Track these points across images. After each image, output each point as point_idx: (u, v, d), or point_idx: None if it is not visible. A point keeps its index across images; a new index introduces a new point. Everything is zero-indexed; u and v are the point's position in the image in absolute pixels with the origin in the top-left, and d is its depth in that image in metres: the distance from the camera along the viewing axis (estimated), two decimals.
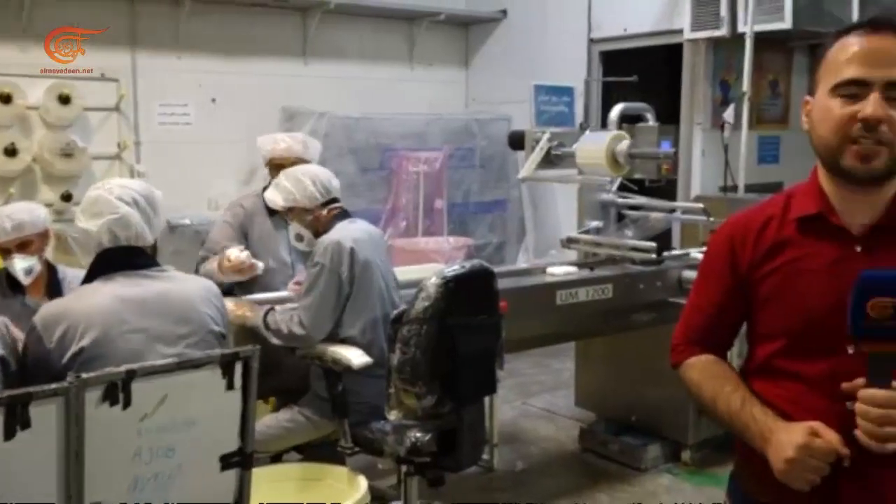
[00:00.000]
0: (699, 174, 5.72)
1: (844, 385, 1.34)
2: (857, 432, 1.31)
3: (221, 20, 6.03)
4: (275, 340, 2.87)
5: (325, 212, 3.04)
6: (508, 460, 4.13)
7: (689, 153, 5.75)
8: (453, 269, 2.71)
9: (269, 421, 2.98)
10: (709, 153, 5.72)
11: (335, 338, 2.90)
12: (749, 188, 5.31)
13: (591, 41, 6.43)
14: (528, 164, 4.14)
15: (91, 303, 2.04)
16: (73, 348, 1.99)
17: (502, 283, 3.36)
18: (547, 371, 5.53)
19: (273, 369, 2.99)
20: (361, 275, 2.91)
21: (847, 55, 1.36)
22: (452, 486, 3.02)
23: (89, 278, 2.14)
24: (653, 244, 3.79)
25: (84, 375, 1.67)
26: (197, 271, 3.50)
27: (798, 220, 1.46)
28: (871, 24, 1.38)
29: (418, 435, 2.71)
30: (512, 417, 4.76)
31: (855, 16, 5.23)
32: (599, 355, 4.38)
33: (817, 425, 1.35)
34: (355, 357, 2.76)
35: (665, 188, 4.74)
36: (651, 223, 4.12)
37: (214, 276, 3.40)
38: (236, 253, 3.28)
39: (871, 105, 1.33)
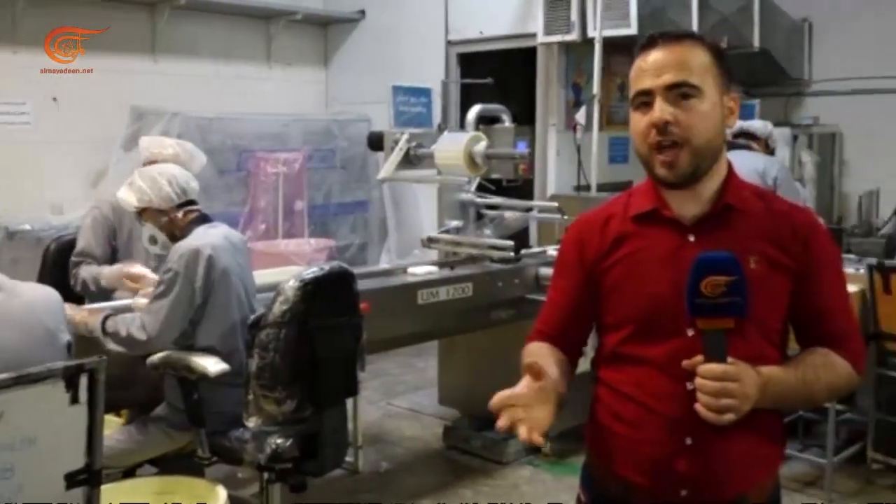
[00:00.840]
0: (554, 174, 5.91)
1: (684, 363, 1.42)
2: (697, 406, 1.39)
3: (62, 13, 5.69)
4: (111, 345, 2.73)
5: (180, 214, 2.94)
6: (373, 461, 4.12)
7: (545, 153, 5.93)
8: (312, 271, 2.69)
9: (119, 434, 2.85)
10: (563, 153, 5.92)
11: (193, 347, 2.81)
12: (601, 187, 5.52)
13: (449, 43, 6.52)
14: (387, 164, 4.16)
15: None
16: None
17: (364, 284, 3.36)
18: (412, 370, 5.56)
19: (125, 381, 2.87)
20: (219, 283, 2.82)
21: (636, 72, 1.51)
22: (316, 490, 3.00)
23: None
24: (510, 242, 3.89)
25: None
26: (70, 276, 3.38)
27: (636, 216, 1.56)
28: (648, 41, 1.52)
29: (279, 441, 2.67)
30: (377, 418, 4.76)
31: (695, 22, 5.55)
32: (461, 353, 4.44)
33: (535, 368, 1.42)
34: (211, 365, 2.68)
35: (522, 188, 4.87)
36: (509, 222, 4.23)
37: (103, 282, 3.32)
38: (142, 268, 3.22)
39: (656, 110, 1.46)
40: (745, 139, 4.35)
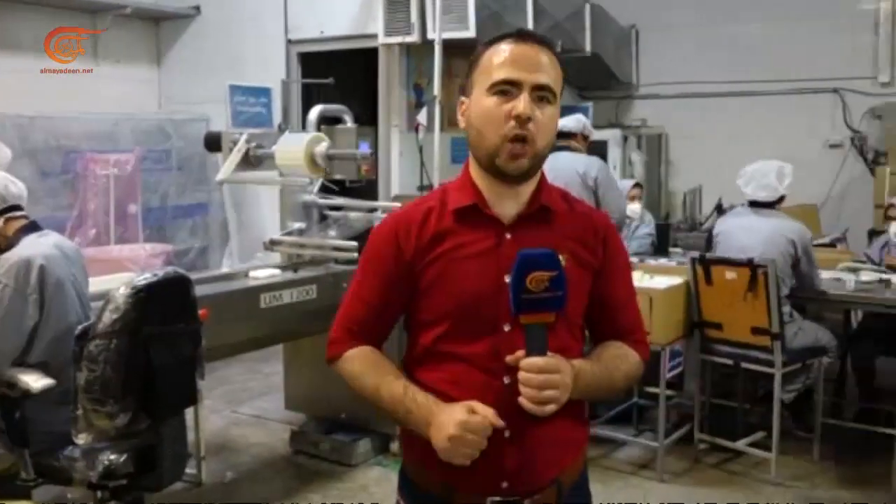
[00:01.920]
0: (397, 174, 5.94)
1: (508, 358, 1.45)
2: (521, 399, 1.42)
3: None
4: None
5: (1, 222, 2.74)
6: (217, 472, 3.99)
7: (388, 154, 5.95)
8: (145, 277, 2.58)
9: None
10: (406, 154, 5.96)
11: (25, 364, 2.63)
12: None
13: (289, 42, 6.41)
14: (226, 165, 4.05)
15: None
16: None
17: (204, 290, 3.26)
18: (257, 376, 5.44)
19: None
20: (53, 296, 2.67)
21: (500, 59, 1.50)
22: None
23: None
24: (354, 243, 3.88)
25: None
26: None
27: (455, 211, 1.57)
28: (519, 35, 1.53)
29: (112, 457, 2.54)
30: (221, 427, 4.62)
31: (530, 26, 5.72)
32: (307, 356, 4.38)
33: (475, 403, 1.45)
34: (34, 380, 2.52)
35: (365, 188, 4.86)
36: (352, 223, 4.20)
37: None
38: None
39: (522, 103, 1.46)
40: (564, 139, 4.41)
